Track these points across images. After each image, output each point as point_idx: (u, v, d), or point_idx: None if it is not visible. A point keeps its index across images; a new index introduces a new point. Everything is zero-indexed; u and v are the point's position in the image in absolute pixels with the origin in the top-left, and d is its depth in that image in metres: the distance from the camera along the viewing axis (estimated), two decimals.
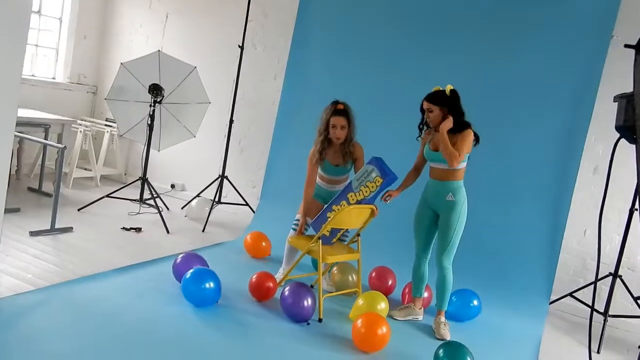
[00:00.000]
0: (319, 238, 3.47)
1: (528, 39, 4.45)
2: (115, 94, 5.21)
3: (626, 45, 1.15)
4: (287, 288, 3.36)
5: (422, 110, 3.48)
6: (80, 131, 5.96)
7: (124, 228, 4.70)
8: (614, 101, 1.77)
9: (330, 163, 3.78)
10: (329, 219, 3.45)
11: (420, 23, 4.87)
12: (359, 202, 3.50)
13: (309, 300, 3.27)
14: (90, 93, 6.78)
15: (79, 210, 5.00)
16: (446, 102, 3.36)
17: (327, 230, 3.48)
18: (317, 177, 3.89)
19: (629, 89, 2.01)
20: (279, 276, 3.89)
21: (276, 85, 5.62)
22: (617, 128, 1.56)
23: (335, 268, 3.94)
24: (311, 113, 4.30)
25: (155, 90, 4.99)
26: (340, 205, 3.53)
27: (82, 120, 6.30)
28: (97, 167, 6.20)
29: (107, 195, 5.23)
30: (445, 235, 3.44)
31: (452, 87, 3.39)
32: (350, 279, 3.89)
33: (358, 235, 3.70)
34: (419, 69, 4.76)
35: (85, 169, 6.24)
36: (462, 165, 3.41)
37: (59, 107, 6.15)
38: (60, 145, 4.38)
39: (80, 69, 6.60)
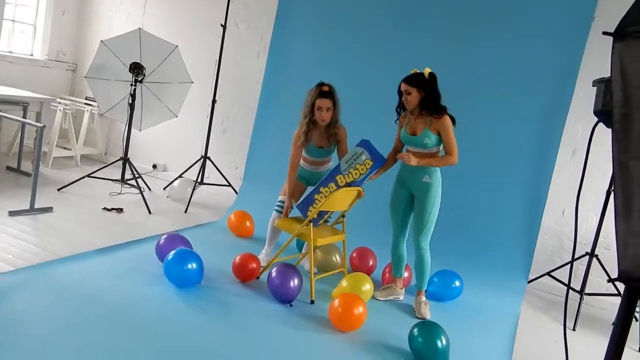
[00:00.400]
0: (310, 221, 3.48)
1: (510, 20, 4.47)
2: (95, 72, 5.12)
3: (604, 33, 1.16)
4: (274, 269, 3.38)
5: (400, 93, 3.47)
6: (60, 110, 5.86)
7: (105, 208, 4.67)
8: (593, 85, 1.78)
9: (314, 145, 3.78)
10: (319, 202, 3.46)
11: (405, 4, 4.84)
12: (348, 185, 3.51)
13: (296, 281, 3.30)
14: (69, 71, 6.65)
15: (58, 190, 4.95)
16: (424, 85, 3.36)
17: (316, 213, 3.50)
18: (300, 159, 3.90)
19: (609, 71, 2.03)
20: (262, 257, 3.90)
21: (259, 64, 5.56)
22: (596, 112, 1.59)
23: (318, 249, 3.96)
24: (295, 93, 4.28)
25: (136, 69, 4.91)
26: (329, 188, 3.53)
27: (61, 98, 6.19)
28: (77, 146, 6.12)
29: (88, 175, 5.18)
30: (421, 217, 3.47)
31: (430, 70, 3.40)
32: (334, 259, 3.92)
33: (343, 216, 3.72)
34: (402, 50, 4.76)
35: (65, 148, 6.15)
36: (438, 148, 3.44)
37: (38, 84, 6.03)
38: (39, 124, 4.31)
39: (58, 46, 6.46)
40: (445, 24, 4.68)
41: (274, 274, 3.33)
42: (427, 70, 3.39)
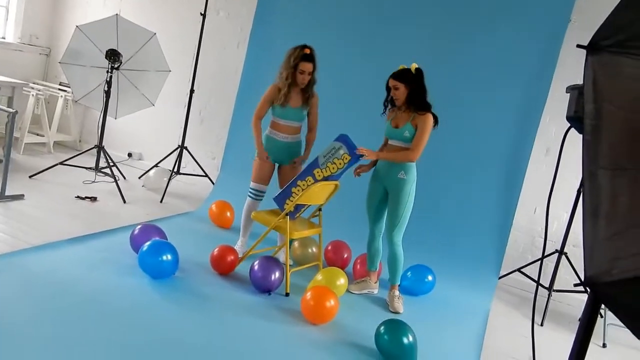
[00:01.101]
0: (286, 214, 3.50)
1: (488, 19, 4.52)
2: (70, 57, 5.02)
3: (578, 46, 1.19)
4: (256, 262, 3.39)
5: (388, 88, 3.51)
6: (33, 95, 5.74)
7: (78, 197, 4.60)
8: (567, 92, 1.83)
9: (291, 106, 3.77)
10: (296, 195, 3.48)
11: None
12: (325, 179, 3.53)
13: (277, 274, 3.33)
14: (43, 55, 6.50)
15: (30, 177, 4.85)
16: (411, 80, 3.41)
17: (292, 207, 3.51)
18: (270, 127, 3.85)
19: (583, 77, 2.08)
20: (237, 247, 3.90)
21: (239, 54, 5.52)
22: (568, 118, 1.63)
23: (296, 242, 3.98)
24: None
25: (113, 55, 4.83)
26: (306, 181, 3.55)
27: (34, 83, 6.06)
28: (50, 132, 6.00)
29: (61, 163, 5.09)
30: (395, 212, 3.51)
31: (417, 66, 3.44)
32: (310, 251, 3.94)
33: (320, 210, 3.74)
34: (384, 45, 4.78)
35: (38, 135, 6.03)
36: None
37: (9, 68, 5.88)
38: (10, 110, 4.22)
39: (32, 29, 6.30)
40: (425, 20, 4.72)
41: (256, 267, 3.35)
42: (413, 66, 3.44)
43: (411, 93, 3.41)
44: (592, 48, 1.13)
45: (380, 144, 3.67)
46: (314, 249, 3.94)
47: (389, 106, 3.60)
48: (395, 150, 3.47)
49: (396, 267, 3.60)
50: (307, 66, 3.64)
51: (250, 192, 3.91)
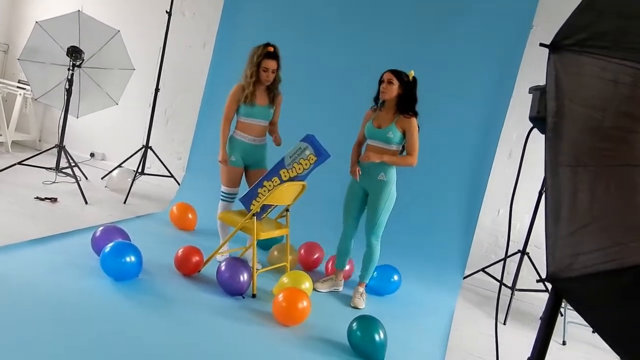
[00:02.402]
0: (253, 215, 3.47)
1: (451, 24, 4.59)
2: (29, 54, 4.87)
3: (541, 44, 1.21)
4: (223, 262, 3.36)
5: (380, 81, 3.50)
6: None
7: (37, 198, 4.46)
8: (529, 92, 1.87)
9: (258, 105, 3.74)
10: (263, 196, 3.45)
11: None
12: (291, 179, 3.52)
13: (245, 276, 3.30)
14: (0, 52, 6.29)
15: None
16: (406, 83, 3.44)
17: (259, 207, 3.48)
18: (235, 129, 3.80)
19: (545, 79, 2.13)
20: (220, 257, 3.83)
21: (205, 54, 5.46)
22: (531, 119, 1.66)
23: (275, 247, 3.97)
24: None
25: (75, 53, 4.71)
26: (272, 182, 3.53)
27: None
28: (8, 132, 5.81)
29: (20, 163, 4.92)
30: (374, 213, 3.53)
31: (414, 74, 3.48)
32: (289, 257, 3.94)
33: (287, 210, 3.73)
34: (348, 43, 4.82)
35: None
36: (398, 147, 3.50)
37: None
38: None
39: None
40: (388, 23, 4.76)
41: (223, 268, 3.31)
42: (411, 73, 3.47)
43: (403, 95, 3.44)
44: (555, 47, 1.15)
45: (347, 143, 3.67)
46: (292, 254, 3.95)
47: (379, 102, 3.58)
48: (376, 151, 3.47)
49: (371, 266, 3.64)
50: (270, 63, 3.63)
51: (222, 195, 3.86)
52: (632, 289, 1.19)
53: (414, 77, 3.47)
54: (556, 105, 1.15)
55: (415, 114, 3.47)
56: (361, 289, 3.67)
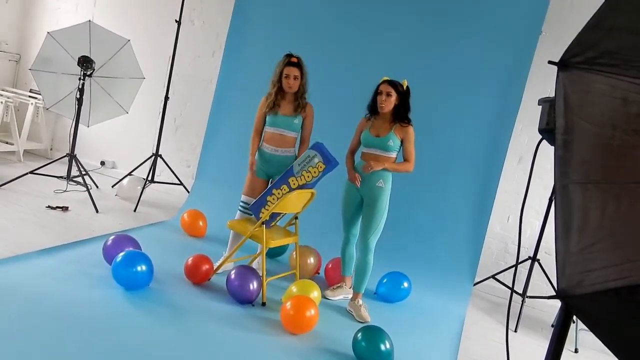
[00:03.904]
0: (262, 223, 3.48)
1: (461, 29, 4.58)
2: (41, 64, 4.92)
3: (550, 62, 1.21)
4: (233, 271, 3.37)
5: (376, 92, 3.52)
6: (2, 102, 5.61)
7: (49, 207, 4.50)
8: (539, 104, 1.87)
9: (281, 114, 3.75)
10: (272, 204, 3.47)
11: (361, 7, 4.89)
12: (300, 187, 3.53)
13: (255, 284, 3.32)
14: (12, 61, 6.37)
15: None
16: (401, 93, 3.49)
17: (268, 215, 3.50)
18: (263, 140, 3.80)
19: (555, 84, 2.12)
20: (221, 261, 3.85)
21: (214, 62, 5.50)
22: (540, 131, 1.66)
23: (293, 252, 3.99)
24: (250, 94, 4.27)
25: (85, 62, 4.76)
26: (281, 189, 3.54)
27: (3, 90, 5.92)
28: (20, 141, 5.87)
29: (31, 172, 4.97)
30: (371, 220, 3.52)
31: (407, 84, 3.52)
32: (309, 261, 3.98)
33: (296, 218, 3.73)
34: (357, 52, 4.81)
35: (7, 143, 5.90)
36: (395, 155, 3.52)
37: None
38: None
39: (1, 35, 6.17)
40: (398, 30, 4.76)
41: (233, 276, 3.33)
42: (404, 83, 3.51)
43: (399, 104, 3.49)
44: (563, 65, 1.15)
45: (345, 149, 3.70)
46: (312, 259, 3.98)
47: (370, 114, 3.61)
48: (373, 159, 3.49)
49: (364, 275, 3.59)
50: (291, 70, 3.67)
51: (240, 205, 3.86)
52: None
53: (407, 87, 3.53)
54: (565, 123, 1.15)
55: (410, 122, 3.53)
56: (359, 301, 3.59)
